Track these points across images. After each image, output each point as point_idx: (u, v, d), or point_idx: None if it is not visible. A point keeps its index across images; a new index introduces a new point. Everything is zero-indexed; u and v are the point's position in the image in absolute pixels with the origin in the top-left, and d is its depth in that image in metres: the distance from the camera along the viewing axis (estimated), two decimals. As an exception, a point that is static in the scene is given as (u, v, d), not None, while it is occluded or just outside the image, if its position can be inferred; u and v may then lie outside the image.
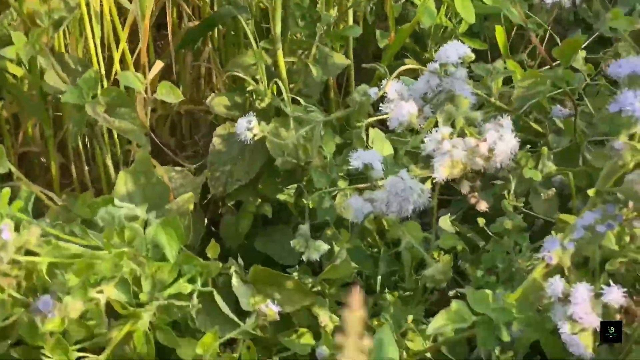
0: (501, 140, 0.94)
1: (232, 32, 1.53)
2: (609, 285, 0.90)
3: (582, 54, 1.25)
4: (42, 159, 1.46)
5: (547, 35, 1.48)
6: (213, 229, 1.40)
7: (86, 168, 1.36)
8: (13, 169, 1.05)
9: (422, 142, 0.96)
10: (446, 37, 1.65)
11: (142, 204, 1.03)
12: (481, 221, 0.96)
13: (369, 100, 1.12)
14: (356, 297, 0.46)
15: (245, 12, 1.35)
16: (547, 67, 1.32)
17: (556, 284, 0.90)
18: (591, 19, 1.63)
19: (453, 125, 1.01)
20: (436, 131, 0.95)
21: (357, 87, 1.13)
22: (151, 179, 1.08)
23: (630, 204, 0.92)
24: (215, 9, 1.50)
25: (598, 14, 1.61)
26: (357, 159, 1.08)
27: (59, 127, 1.39)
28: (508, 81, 1.32)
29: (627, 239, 0.93)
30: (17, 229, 0.88)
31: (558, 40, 1.43)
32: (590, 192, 0.92)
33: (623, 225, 0.92)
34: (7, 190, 0.87)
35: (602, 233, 0.89)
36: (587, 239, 0.90)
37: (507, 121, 0.98)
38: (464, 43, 1.59)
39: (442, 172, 0.92)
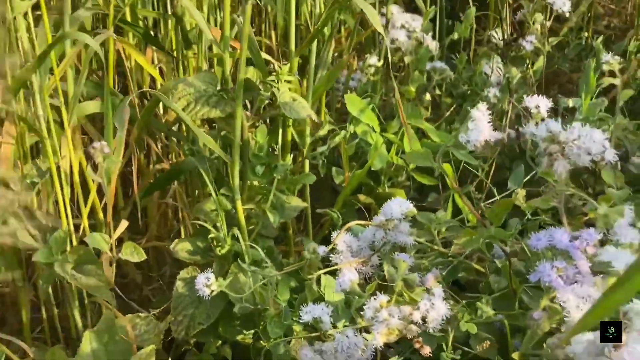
0: (433, 309, 1.03)
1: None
2: None
3: (522, 192, 1.35)
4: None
5: (493, 168, 1.60)
6: (176, 365, 1.48)
7: (55, 311, 1.43)
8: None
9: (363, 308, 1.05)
10: (397, 171, 1.77)
11: (107, 360, 1.11)
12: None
13: (318, 257, 1.21)
14: None
15: (205, 164, 1.45)
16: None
17: None
18: (532, 152, 1.75)
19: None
20: (374, 299, 1.04)
21: (307, 244, 1.22)
22: (114, 336, 1.16)
23: (552, 365, 1.01)
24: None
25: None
26: (307, 314, 1.17)
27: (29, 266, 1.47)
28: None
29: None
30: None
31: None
32: (515, 355, 1.01)
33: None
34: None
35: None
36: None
37: (437, 290, 1.07)
38: (415, 178, 1.73)
39: (379, 339, 1.01)
